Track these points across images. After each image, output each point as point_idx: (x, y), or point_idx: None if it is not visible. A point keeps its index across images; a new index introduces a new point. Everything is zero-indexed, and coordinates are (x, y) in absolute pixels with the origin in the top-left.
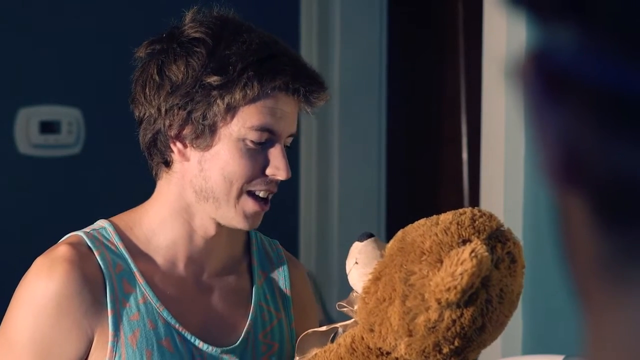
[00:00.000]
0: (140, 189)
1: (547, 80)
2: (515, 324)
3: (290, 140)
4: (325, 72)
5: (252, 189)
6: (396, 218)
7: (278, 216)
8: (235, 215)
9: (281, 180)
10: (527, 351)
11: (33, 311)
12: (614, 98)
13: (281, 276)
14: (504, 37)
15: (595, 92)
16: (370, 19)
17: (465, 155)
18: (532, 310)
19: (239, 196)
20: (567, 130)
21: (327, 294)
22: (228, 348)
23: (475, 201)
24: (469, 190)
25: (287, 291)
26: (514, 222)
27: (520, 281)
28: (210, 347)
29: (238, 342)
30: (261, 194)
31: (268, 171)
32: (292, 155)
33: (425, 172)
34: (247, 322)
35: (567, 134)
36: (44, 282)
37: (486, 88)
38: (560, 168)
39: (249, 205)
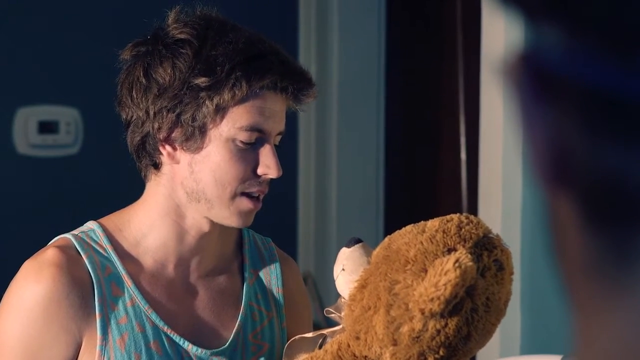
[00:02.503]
0: (138, 190)
1: (532, 79)
2: (514, 324)
3: (279, 138)
4: (323, 72)
5: (246, 190)
6: (395, 218)
7: (276, 217)
8: (230, 214)
9: (273, 179)
10: (525, 351)
11: (21, 315)
12: (602, 98)
13: (273, 275)
14: (502, 36)
15: (581, 91)
16: (369, 18)
17: (463, 155)
18: (531, 310)
19: (232, 198)
20: (554, 130)
21: (325, 294)
22: (217, 350)
23: (473, 201)
24: (467, 190)
25: (280, 290)
26: (512, 222)
27: (508, 288)
28: (200, 350)
29: (227, 343)
30: (253, 195)
31: (259, 170)
32: (290, 155)
33: (423, 171)
34: (237, 323)
35: (553, 133)
36: (32, 285)
37: (484, 87)
38: (547, 168)
39: (243, 203)
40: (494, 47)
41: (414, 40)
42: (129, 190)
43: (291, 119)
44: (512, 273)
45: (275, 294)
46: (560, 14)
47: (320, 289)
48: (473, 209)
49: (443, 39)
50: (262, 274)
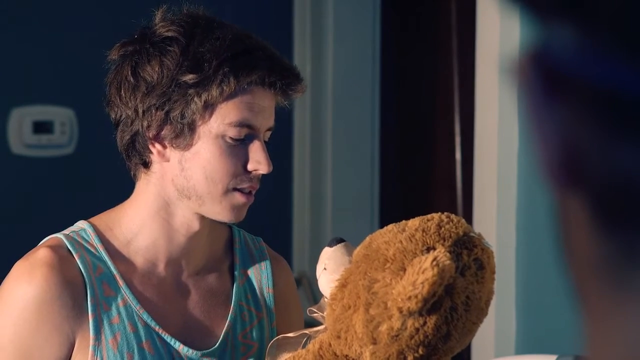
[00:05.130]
0: (133, 189)
1: (543, 79)
2: (509, 323)
3: (269, 134)
4: (318, 72)
5: (237, 186)
6: (389, 218)
7: (272, 217)
8: (222, 209)
9: (269, 178)
10: (520, 351)
11: (13, 315)
12: (611, 97)
13: (264, 274)
14: (497, 36)
15: (592, 91)
16: (364, 18)
17: (458, 155)
18: (525, 309)
19: (224, 194)
20: (565, 130)
21: (320, 295)
22: (208, 351)
23: (468, 201)
24: (462, 190)
25: (270, 290)
26: (507, 222)
27: (489, 287)
28: (190, 350)
29: (217, 344)
30: (245, 190)
31: (249, 166)
32: (285, 155)
33: (418, 171)
34: (227, 323)
35: (564, 133)
36: (24, 286)
37: (479, 87)
38: (558, 168)
39: (235, 198)
40: (489, 47)
41: (409, 40)
42: (124, 190)
43: (286, 120)
44: (493, 272)
45: (265, 293)
46: (572, 13)
47: (316, 289)
48: (468, 209)
49: (438, 39)
50: (252, 273)
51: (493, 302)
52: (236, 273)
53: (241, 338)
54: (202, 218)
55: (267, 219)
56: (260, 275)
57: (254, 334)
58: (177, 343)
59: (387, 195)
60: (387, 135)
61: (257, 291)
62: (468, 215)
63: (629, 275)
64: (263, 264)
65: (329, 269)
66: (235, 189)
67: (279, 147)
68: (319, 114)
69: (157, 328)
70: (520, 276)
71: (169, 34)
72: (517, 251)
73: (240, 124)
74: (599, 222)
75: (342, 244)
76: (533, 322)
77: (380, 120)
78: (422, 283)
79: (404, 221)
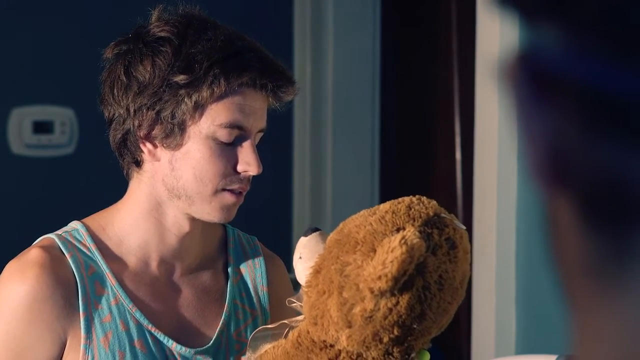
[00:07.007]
0: None
1: (531, 80)
2: (509, 323)
3: (260, 136)
4: (318, 72)
5: (227, 187)
6: None
7: (271, 218)
8: (211, 209)
9: (268, 179)
10: (520, 351)
11: (5, 315)
12: (597, 97)
13: (258, 273)
14: (497, 38)
15: (579, 91)
16: (364, 19)
17: (458, 155)
18: (526, 310)
19: (214, 194)
20: (552, 130)
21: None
22: (201, 349)
23: (468, 201)
24: (462, 190)
25: (264, 288)
26: (507, 221)
27: (464, 267)
28: (184, 348)
29: (211, 342)
30: (235, 191)
31: (239, 167)
32: (285, 156)
33: (418, 172)
34: (221, 321)
35: (555, 135)
36: (16, 286)
37: (479, 89)
38: (546, 168)
39: (225, 198)
40: (489, 48)
41: (409, 41)
42: (123, 190)
43: (286, 120)
44: (467, 252)
45: (259, 292)
46: (558, 14)
47: None
48: (468, 209)
49: (438, 39)
50: (246, 272)
51: (493, 302)
52: (230, 271)
53: (235, 336)
54: (193, 218)
55: (267, 219)
56: (254, 273)
57: (248, 332)
58: (171, 341)
59: (387, 195)
60: (387, 135)
61: (252, 289)
62: (468, 215)
63: (616, 273)
64: (257, 262)
65: (304, 257)
66: (224, 189)
67: (279, 147)
68: (319, 114)
69: (149, 326)
70: (520, 276)
71: (162, 34)
72: (517, 251)
73: (231, 125)
74: (586, 220)
75: (317, 232)
76: (533, 322)
77: (380, 120)
78: (392, 262)
79: (376, 205)
